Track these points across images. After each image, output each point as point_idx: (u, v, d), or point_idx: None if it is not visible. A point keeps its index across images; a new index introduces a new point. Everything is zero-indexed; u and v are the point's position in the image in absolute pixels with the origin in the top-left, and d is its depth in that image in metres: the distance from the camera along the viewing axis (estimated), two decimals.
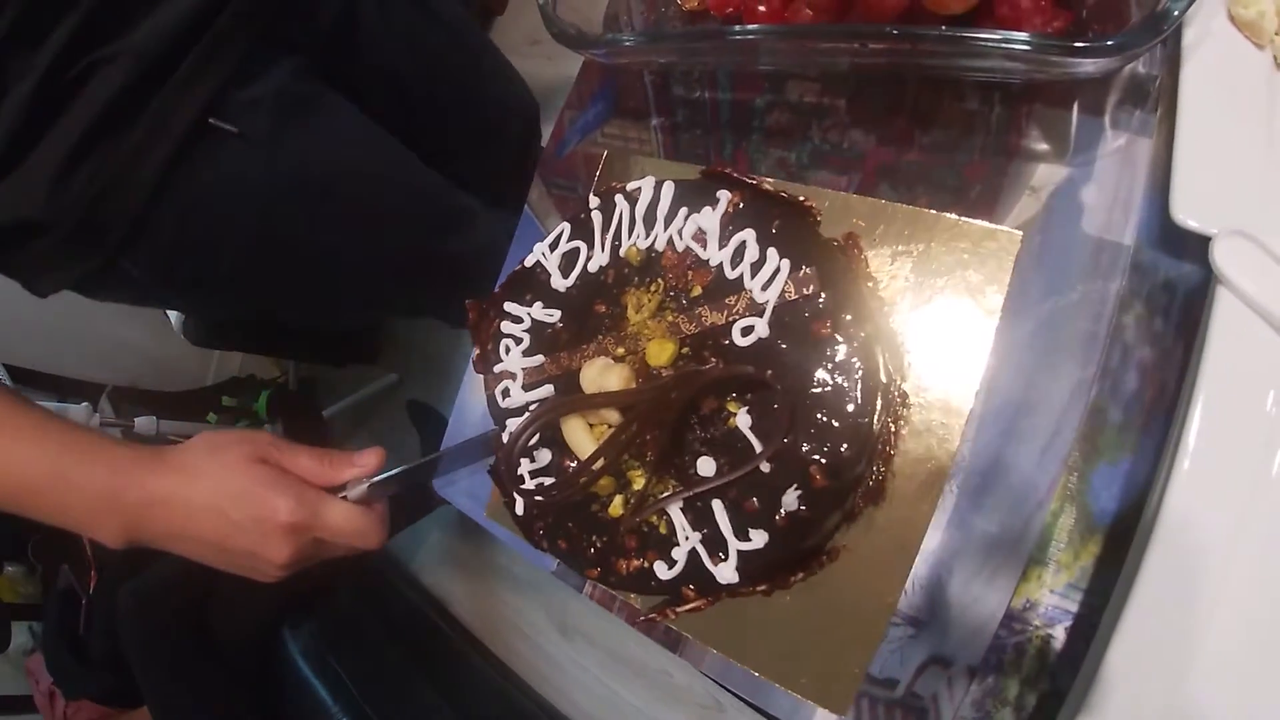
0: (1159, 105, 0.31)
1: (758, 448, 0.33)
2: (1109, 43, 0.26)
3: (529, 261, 0.41)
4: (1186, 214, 0.28)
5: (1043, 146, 0.34)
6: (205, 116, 0.50)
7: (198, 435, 0.43)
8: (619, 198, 0.39)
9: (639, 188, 0.39)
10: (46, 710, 1.12)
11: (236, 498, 0.40)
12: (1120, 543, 0.29)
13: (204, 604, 0.92)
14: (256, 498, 0.40)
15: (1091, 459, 0.31)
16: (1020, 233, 0.33)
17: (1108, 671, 0.27)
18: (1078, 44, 0.27)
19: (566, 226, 0.41)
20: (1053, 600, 0.31)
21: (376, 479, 0.42)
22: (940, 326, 0.34)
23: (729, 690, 0.38)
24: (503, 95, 0.78)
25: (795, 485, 0.32)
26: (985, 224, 0.34)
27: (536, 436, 0.37)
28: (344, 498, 0.42)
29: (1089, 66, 0.30)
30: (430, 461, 0.44)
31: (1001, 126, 0.34)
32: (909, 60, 0.34)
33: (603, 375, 0.36)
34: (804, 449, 0.32)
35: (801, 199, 0.35)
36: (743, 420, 0.33)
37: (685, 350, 0.36)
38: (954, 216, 0.34)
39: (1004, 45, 0.28)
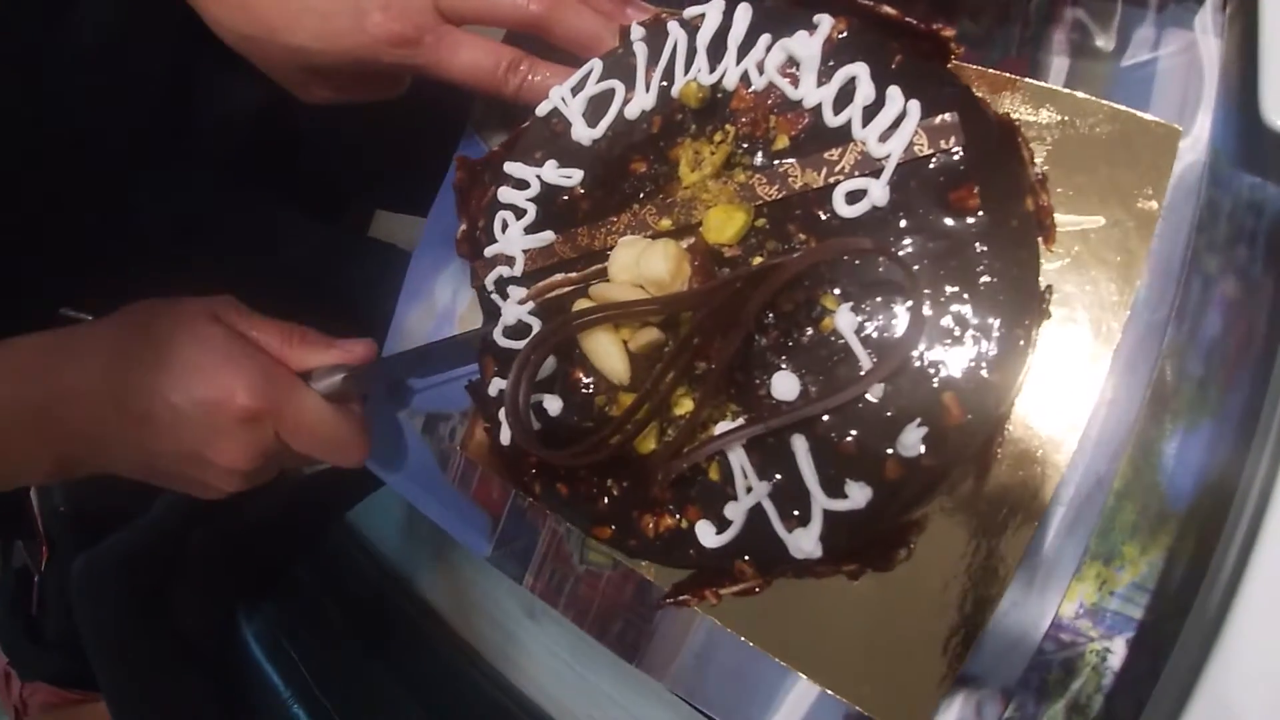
0: (1228, 2, 0.26)
1: (866, 363, 0.23)
2: None
3: (542, 110, 0.30)
4: None
5: (1091, 43, 0.28)
6: (55, 307, 0.42)
7: (125, 307, 0.32)
8: (674, 25, 0.28)
9: (701, 14, 0.28)
10: (2, 691, 1.04)
11: (179, 371, 0.29)
12: (1200, 531, 0.25)
13: (163, 580, 0.84)
14: (207, 371, 0.29)
15: (1163, 423, 0.26)
16: (1180, 127, 0.26)
17: (1201, 704, 0.21)
18: None
19: (597, 64, 0.29)
20: (1113, 605, 0.25)
21: (356, 373, 0.32)
22: (1083, 233, 0.26)
23: (700, 711, 0.31)
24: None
25: (919, 420, 0.22)
26: (1138, 113, 0.26)
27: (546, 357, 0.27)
28: None
29: None
30: (416, 353, 0.34)
31: (1042, 17, 0.29)
32: None
33: (643, 260, 0.25)
34: (934, 368, 0.22)
35: (936, 27, 0.25)
36: (845, 321, 0.23)
37: (761, 222, 0.25)
38: (1100, 100, 0.27)
39: None
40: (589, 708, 0.88)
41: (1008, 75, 0.28)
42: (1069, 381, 0.25)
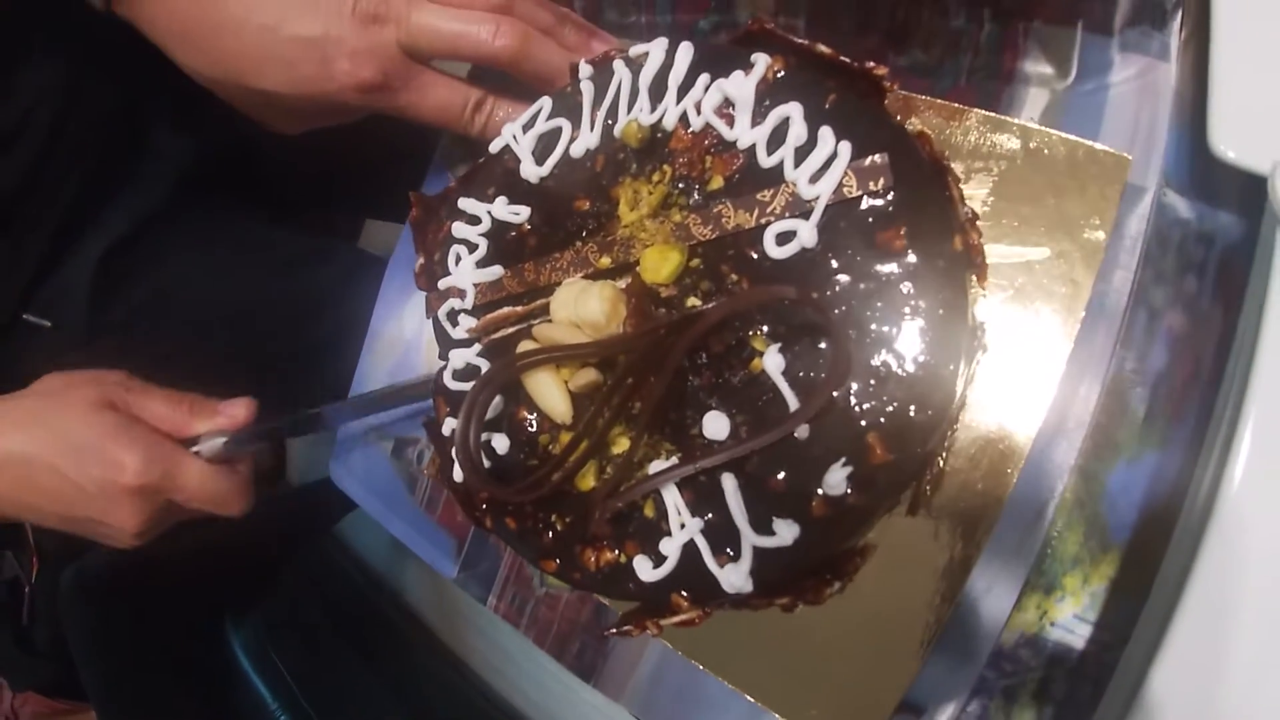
0: (1184, 27, 0.27)
1: (793, 403, 0.23)
2: None
3: (495, 147, 0.31)
4: (1230, 146, 0.24)
5: (1042, 70, 0.29)
6: (18, 312, 0.46)
7: (44, 377, 0.37)
8: (619, 64, 0.29)
9: (645, 53, 0.28)
10: None
11: (75, 453, 0.34)
12: (1142, 562, 0.25)
13: (151, 589, 0.85)
14: (98, 453, 0.34)
15: (1107, 456, 0.26)
16: (1130, 157, 0.26)
17: None
18: None
19: (547, 101, 0.30)
20: (1055, 634, 0.26)
21: (236, 436, 0.36)
22: (1027, 265, 0.26)
23: None
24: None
25: (844, 459, 0.23)
26: (1087, 142, 0.26)
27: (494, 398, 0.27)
28: (196, 452, 0.36)
29: None
30: (303, 418, 0.37)
31: (992, 46, 0.30)
32: None
33: (580, 301, 0.26)
34: (859, 408, 0.23)
35: (870, 66, 0.25)
36: (773, 363, 0.23)
37: (696, 262, 0.26)
38: (1048, 130, 0.27)
39: None
40: (573, 716, 0.88)
41: (956, 105, 0.28)
42: (1011, 413, 0.26)
